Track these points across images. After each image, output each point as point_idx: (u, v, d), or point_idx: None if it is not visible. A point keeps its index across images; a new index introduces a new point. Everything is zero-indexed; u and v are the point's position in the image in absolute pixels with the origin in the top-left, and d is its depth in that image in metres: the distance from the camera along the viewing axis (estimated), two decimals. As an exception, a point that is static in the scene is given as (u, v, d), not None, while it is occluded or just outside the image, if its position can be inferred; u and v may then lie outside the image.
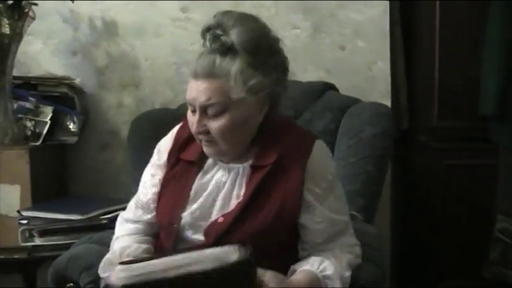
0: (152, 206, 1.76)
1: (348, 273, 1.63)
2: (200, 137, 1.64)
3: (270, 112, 1.65)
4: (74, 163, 2.74)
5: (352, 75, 2.66)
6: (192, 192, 1.68)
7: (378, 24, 2.65)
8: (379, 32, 2.65)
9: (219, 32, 1.58)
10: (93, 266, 1.88)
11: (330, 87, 2.45)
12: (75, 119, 2.59)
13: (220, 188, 1.67)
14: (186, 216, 1.67)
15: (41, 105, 2.55)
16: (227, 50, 1.57)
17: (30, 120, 2.53)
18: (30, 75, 2.67)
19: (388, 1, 2.65)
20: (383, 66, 2.66)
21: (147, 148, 2.33)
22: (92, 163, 2.75)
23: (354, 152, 2.18)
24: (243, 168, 1.66)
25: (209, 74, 1.57)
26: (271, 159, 1.62)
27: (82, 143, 2.69)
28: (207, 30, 1.60)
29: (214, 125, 1.60)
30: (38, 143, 2.50)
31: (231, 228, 1.60)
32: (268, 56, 1.61)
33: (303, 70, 2.66)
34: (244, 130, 1.63)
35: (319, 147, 1.68)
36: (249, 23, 1.60)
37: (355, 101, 2.37)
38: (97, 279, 1.87)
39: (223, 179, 1.67)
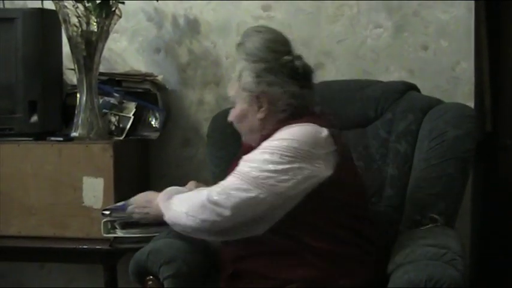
0: None
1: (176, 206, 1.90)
2: None
3: (274, 111, 1.90)
4: (156, 158, 2.79)
5: (434, 76, 2.61)
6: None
7: (462, 24, 2.59)
8: (464, 32, 2.59)
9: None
10: (173, 260, 1.93)
11: (411, 87, 2.40)
12: (157, 115, 2.64)
13: None
14: None
15: (124, 101, 2.60)
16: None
17: (115, 115, 2.59)
18: (115, 71, 2.74)
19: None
20: (467, 67, 2.60)
21: (226, 145, 2.37)
22: (173, 158, 2.80)
23: (436, 154, 2.13)
24: None
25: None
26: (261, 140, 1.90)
27: (164, 139, 2.74)
28: None
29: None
30: (121, 138, 2.56)
31: None
32: (263, 63, 1.89)
33: (385, 70, 2.64)
34: (247, 121, 1.94)
35: (298, 127, 1.84)
36: (253, 36, 1.92)
37: (437, 101, 2.31)
38: (176, 273, 1.91)
39: None
